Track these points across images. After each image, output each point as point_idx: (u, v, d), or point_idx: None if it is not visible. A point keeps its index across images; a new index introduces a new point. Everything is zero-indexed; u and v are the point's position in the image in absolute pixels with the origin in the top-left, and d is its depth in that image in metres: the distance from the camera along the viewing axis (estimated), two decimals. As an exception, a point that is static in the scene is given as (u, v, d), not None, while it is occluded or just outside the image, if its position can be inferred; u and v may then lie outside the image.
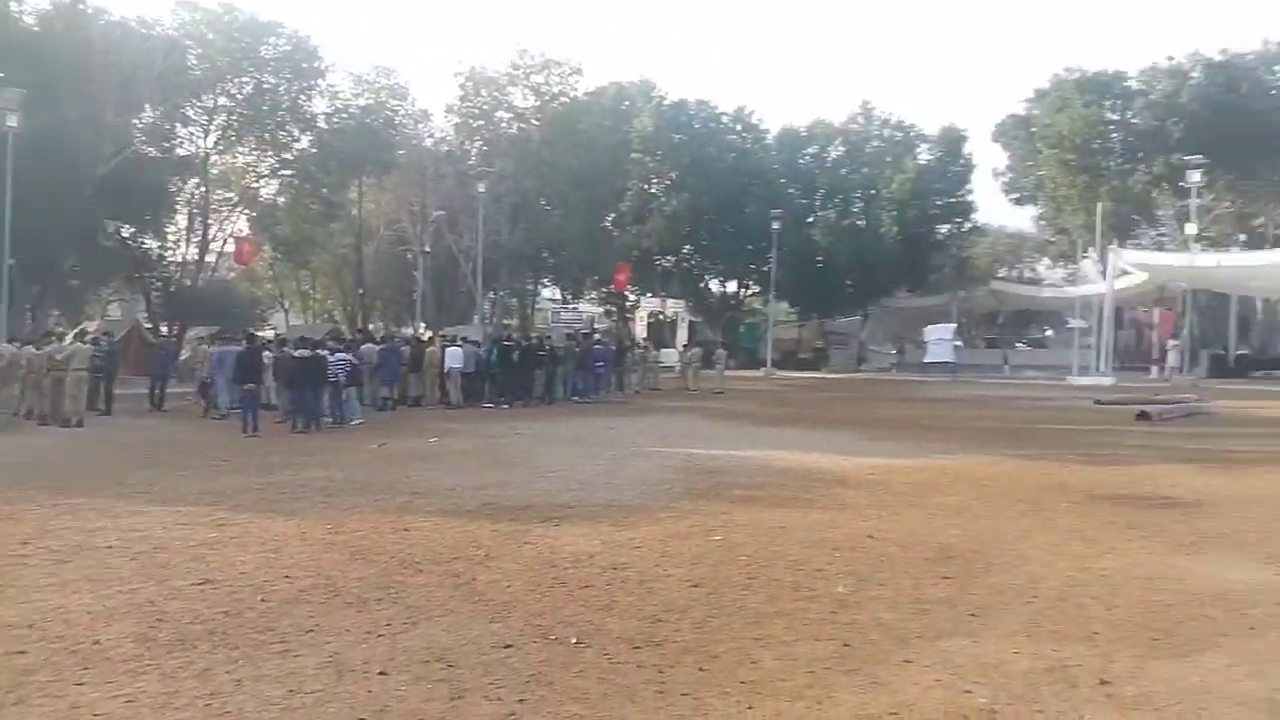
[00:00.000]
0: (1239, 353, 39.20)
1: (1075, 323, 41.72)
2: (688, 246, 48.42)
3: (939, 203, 46.29)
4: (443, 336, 23.75)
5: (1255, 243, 42.46)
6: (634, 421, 18.07)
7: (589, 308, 51.01)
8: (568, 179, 40.73)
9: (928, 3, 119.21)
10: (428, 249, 38.04)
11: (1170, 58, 44.23)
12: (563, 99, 41.18)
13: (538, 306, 50.74)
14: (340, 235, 41.02)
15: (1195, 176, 33.39)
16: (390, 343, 21.64)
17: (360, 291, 42.37)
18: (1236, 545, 7.24)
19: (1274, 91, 42.58)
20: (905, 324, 49.29)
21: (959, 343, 40.85)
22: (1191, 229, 34.55)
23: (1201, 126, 41.06)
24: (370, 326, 37.48)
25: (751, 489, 9.86)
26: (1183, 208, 36.53)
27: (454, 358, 20.87)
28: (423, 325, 36.64)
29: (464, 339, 22.70)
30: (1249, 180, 41.97)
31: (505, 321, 45.32)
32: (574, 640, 4.92)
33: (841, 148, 48.47)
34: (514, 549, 7.01)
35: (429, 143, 41.38)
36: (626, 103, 47.09)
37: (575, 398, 23.38)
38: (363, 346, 20.12)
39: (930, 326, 41.09)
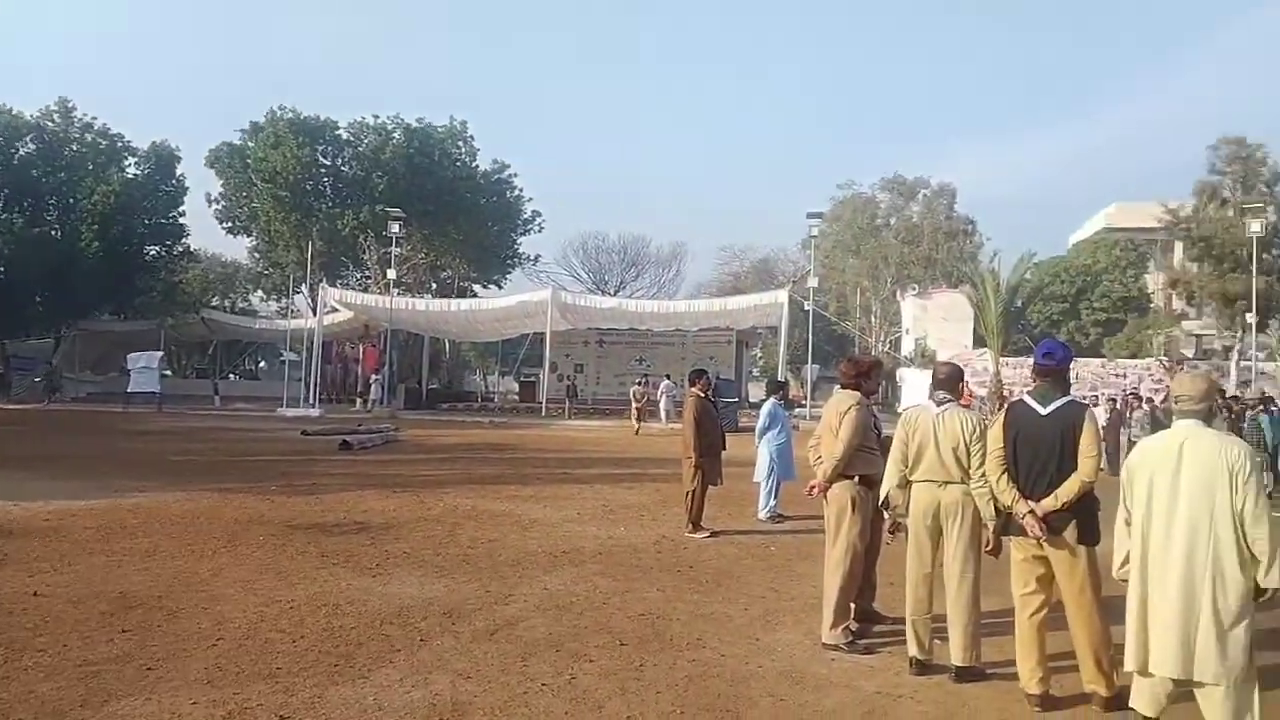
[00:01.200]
0: (431, 387, 44.37)
1: (288, 355, 42.78)
2: None
3: (148, 222, 43.43)
4: None
5: (445, 291, 48.79)
6: None
7: None
8: None
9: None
10: None
11: (376, 116, 48.72)
12: None
13: None
14: None
15: (395, 228, 36.99)
16: None
17: None
18: (416, 562, 7.89)
19: (458, 163, 49.66)
20: (109, 349, 45.05)
21: (167, 371, 38.69)
22: (392, 274, 38.17)
23: (402, 183, 45.96)
24: None
25: None
26: (385, 254, 40.15)
27: None
28: None
29: None
30: (440, 236, 48.10)
31: None
32: None
33: (33, 145, 42.40)
34: None
35: None
36: None
37: None
38: None
39: (134, 354, 38.06)
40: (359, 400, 38.76)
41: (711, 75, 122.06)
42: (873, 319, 53.16)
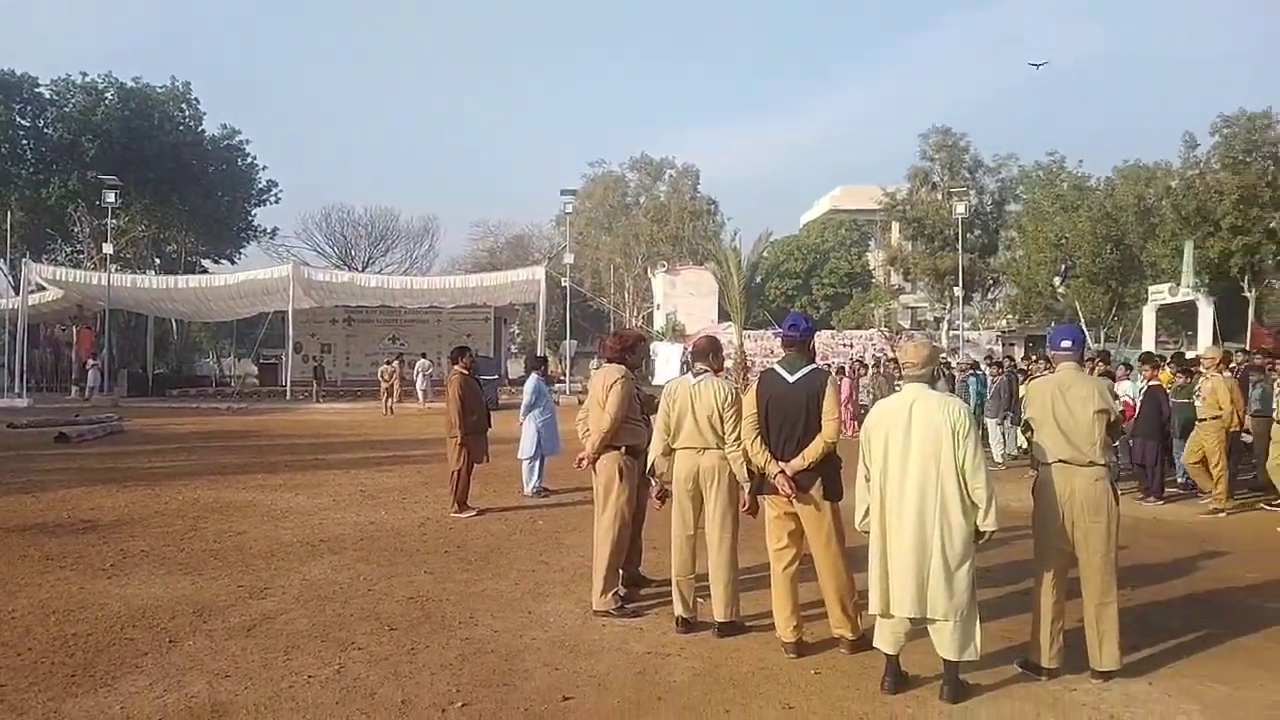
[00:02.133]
0: (158, 371, 40.83)
1: (-14, 340, 37.95)
2: None
3: None
4: None
5: (170, 267, 44.89)
6: None
7: None
8: None
9: None
10: None
11: (84, 74, 44.02)
12: None
13: None
14: None
15: (111, 197, 33.52)
16: None
17: None
18: (156, 560, 7.32)
19: (182, 127, 45.81)
20: None
21: None
22: (109, 248, 34.61)
23: (117, 148, 41.85)
24: None
25: None
26: (99, 226, 36.36)
27: None
28: None
29: None
30: (163, 207, 44.24)
31: None
32: None
33: None
34: None
35: None
36: None
37: None
38: None
39: None
40: (75, 388, 35.08)
41: (462, 50, 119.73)
42: (626, 295, 54.50)
